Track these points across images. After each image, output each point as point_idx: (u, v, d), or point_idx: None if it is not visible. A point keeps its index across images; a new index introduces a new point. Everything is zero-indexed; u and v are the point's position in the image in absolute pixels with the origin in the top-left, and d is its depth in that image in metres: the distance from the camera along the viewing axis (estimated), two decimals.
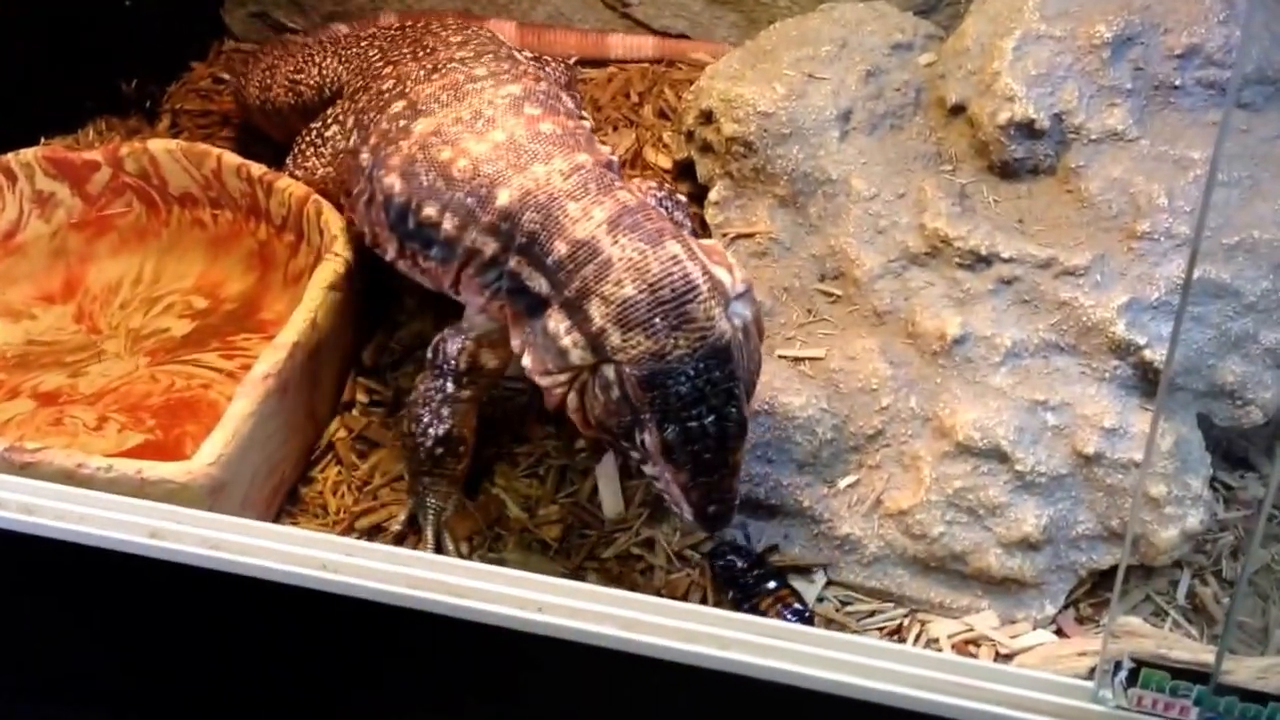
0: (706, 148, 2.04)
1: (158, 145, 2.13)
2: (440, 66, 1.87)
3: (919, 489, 1.73)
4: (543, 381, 1.55)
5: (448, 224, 1.66)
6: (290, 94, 2.34)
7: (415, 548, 1.78)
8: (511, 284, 1.60)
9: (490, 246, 1.63)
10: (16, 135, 2.47)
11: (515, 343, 1.60)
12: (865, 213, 1.89)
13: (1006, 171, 1.89)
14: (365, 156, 1.82)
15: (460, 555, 1.76)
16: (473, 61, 1.88)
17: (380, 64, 2.03)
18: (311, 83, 2.28)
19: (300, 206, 2.04)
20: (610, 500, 1.81)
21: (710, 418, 1.46)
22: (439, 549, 1.77)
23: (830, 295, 1.90)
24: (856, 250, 1.87)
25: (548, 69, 2.23)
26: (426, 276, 1.76)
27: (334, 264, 1.91)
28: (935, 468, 1.73)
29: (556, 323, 1.52)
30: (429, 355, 1.72)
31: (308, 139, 2.14)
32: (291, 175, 2.14)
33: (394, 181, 1.72)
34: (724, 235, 1.97)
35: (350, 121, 1.98)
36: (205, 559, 1.45)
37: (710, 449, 1.47)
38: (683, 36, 2.55)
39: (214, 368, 1.98)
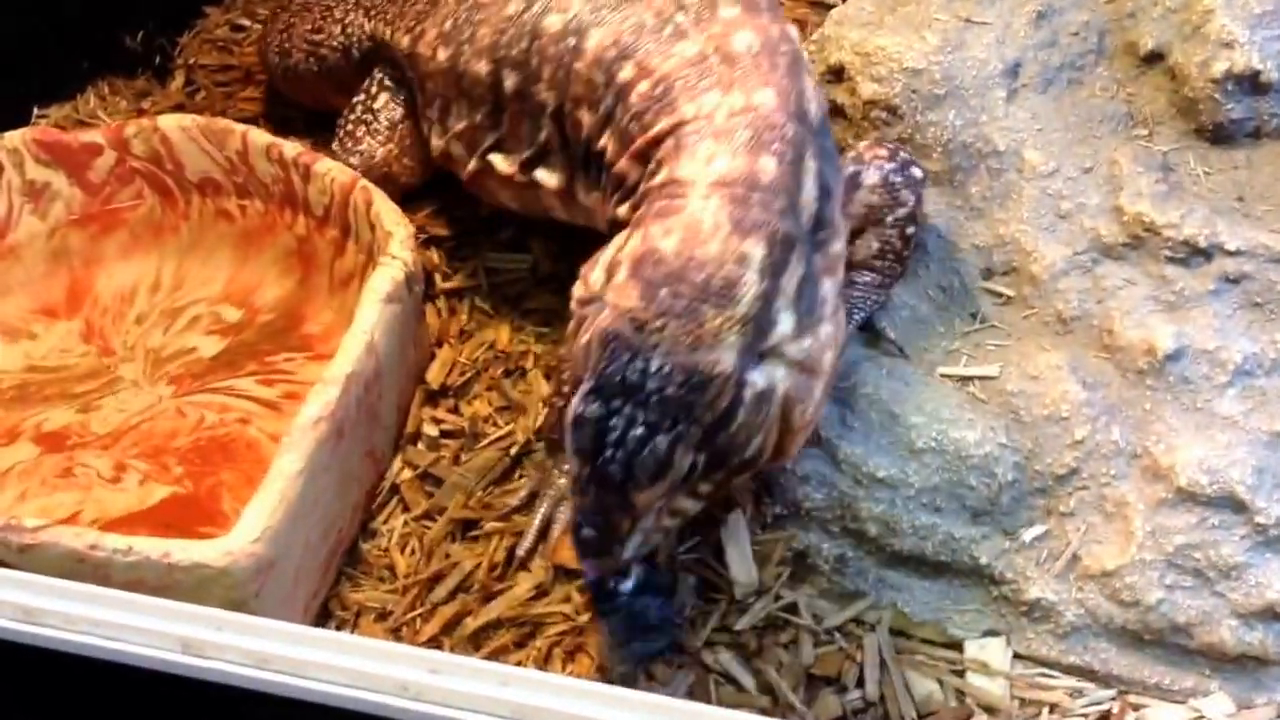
0: (836, 111, 1.67)
1: (170, 122, 1.79)
2: None
3: (1128, 544, 1.40)
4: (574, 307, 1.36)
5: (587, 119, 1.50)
6: (311, 58, 2.08)
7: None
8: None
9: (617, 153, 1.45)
10: (5, 106, 2.14)
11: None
12: (1043, 192, 1.54)
13: (1220, 136, 1.53)
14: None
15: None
16: None
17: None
18: (334, 44, 2.02)
19: (345, 195, 1.69)
20: (739, 563, 1.48)
21: (638, 430, 1.19)
22: (542, 536, 1.51)
23: (1000, 296, 1.55)
24: (1033, 240, 1.53)
25: None
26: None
27: (391, 270, 1.57)
28: (1148, 518, 1.40)
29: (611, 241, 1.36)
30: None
31: (354, 116, 1.85)
32: (346, 164, 1.82)
33: None
34: None
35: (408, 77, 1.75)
36: (251, 680, 1.16)
37: (615, 460, 1.20)
38: None
39: (252, 397, 1.66)
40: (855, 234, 1.50)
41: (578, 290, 1.37)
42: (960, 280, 1.57)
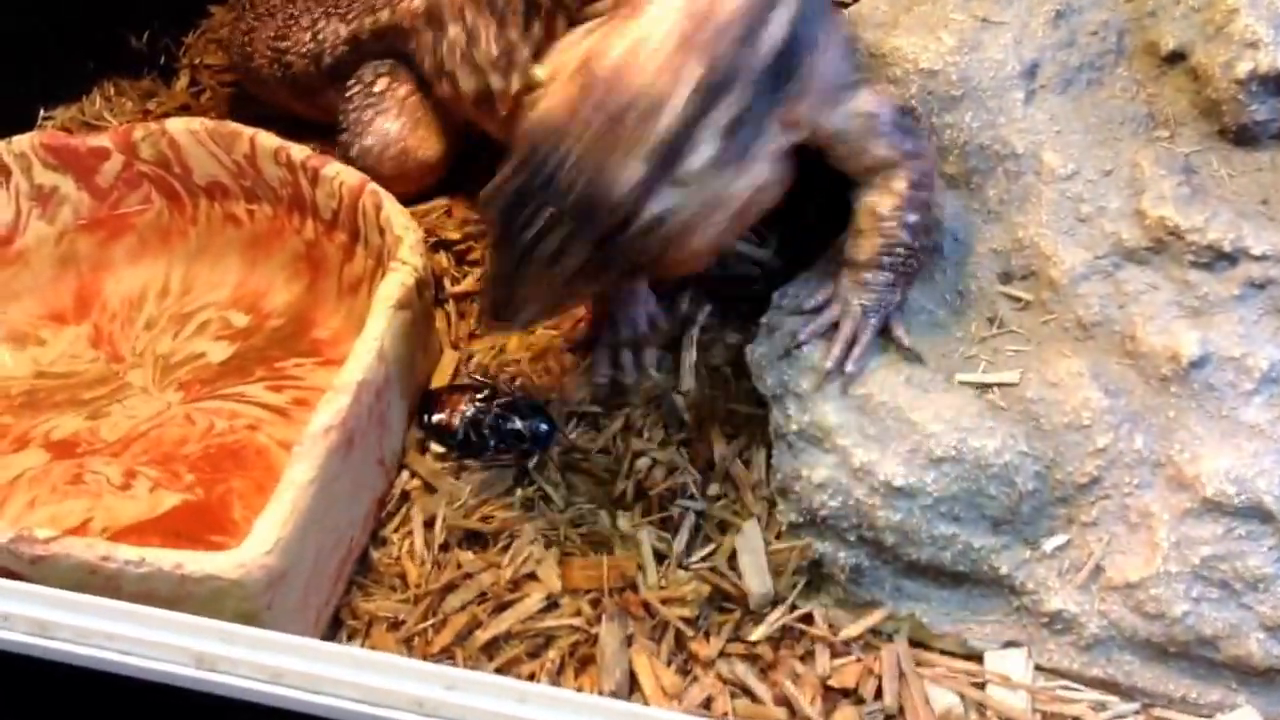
0: None
1: (178, 126, 1.77)
2: None
3: (1153, 555, 1.37)
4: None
5: None
6: (275, 64, 2.07)
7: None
8: None
9: None
10: (9, 107, 2.13)
11: None
12: (1062, 195, 1.51)
13: (1243, 137, 1.50)
14: None
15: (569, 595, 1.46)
16: None
17: None
18: (302, 50, 2.02)
19: (354, 199, 1.68)
20: (754, 573, 1.46)
21: (540, 219, 1.26)
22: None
23: (1019, 300, 1.52)
24: (1052, 243, 1.50)
25: None
26: None
27: (401, 275, 1.55)
28: (1174, 528, 1.37)
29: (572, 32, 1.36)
30: None
31: (355, 105, 1.87)
32: (362, 148, 1.82)
33: None
34: None
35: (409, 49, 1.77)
36: (265, 695, 1.14)
37: (519, 241, 1.28)
38: None
39: (261, 403, 1.64)
40: (854, 231, 1.47)
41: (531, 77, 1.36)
42: (978, 285, 1.54)
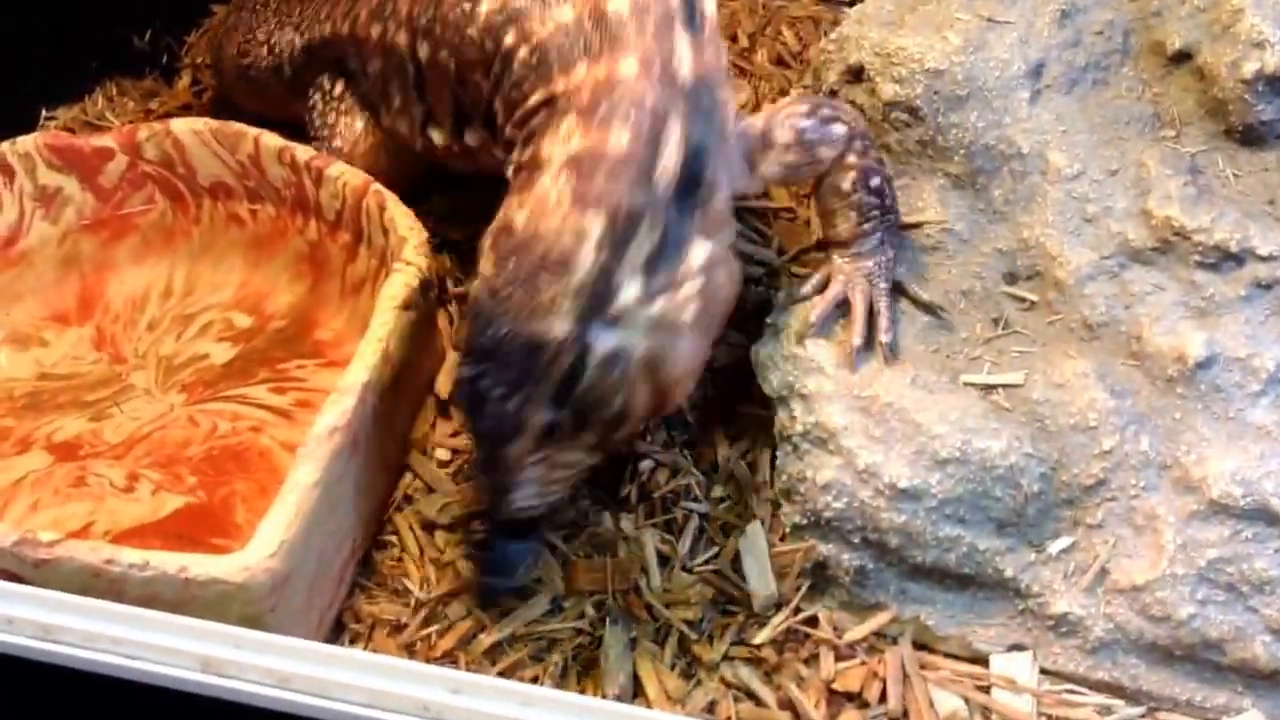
0: (859, 114, 1.63)
1: (182, 126, 1.76)
2: None
3: (1158, 558, 1.37)
4: None
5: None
6: (241, 79, 2.09)
7: None
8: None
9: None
10: (12, 108, 2.12)
11: None
12: (1068, 195, 1.51)
13: (1249, 137, 1.49)
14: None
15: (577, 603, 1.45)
16: None
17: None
18: (263, 65, 2.03)
19: (358, 199, 1.67)
20: (758, 575, 1.46)
21: (497, 390, 1.29)
22: None
23: (1024, 301, 1.52)
24: (1058, 244, 1.49)
25: None
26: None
27: (405, 275, 1.55)
28: (1180, 531, 1.36)
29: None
30: None
31: (319, 111, 1.85)
32: (333, 151, 1.83)
33: None
34: None
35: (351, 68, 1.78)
36: (271, 700, 1.14)
37: (484, 417, 1.31)
38: None
39: (264, 405, 1.64)
40: (825, 213, 1.51)
41: None
42: (983, 285, 1.53)
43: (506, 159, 1.46)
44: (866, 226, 1.49)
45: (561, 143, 1.34)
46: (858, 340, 1.45)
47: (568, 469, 1.36)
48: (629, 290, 1.28)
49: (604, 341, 1.28)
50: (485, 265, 1.33)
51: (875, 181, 1.48)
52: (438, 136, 1.67)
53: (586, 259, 1.27)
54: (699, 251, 1.33)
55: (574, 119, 1.34)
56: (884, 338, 1.45)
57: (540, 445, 1.32)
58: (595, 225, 1.28)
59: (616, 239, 1.28)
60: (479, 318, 1.30)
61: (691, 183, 1.34)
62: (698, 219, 1.34)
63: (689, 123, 1.34)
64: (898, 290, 1.51)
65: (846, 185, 1.48)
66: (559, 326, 1.26)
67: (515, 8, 1.46)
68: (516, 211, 1.32)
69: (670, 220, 1.31)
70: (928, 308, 1.50)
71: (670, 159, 1.32)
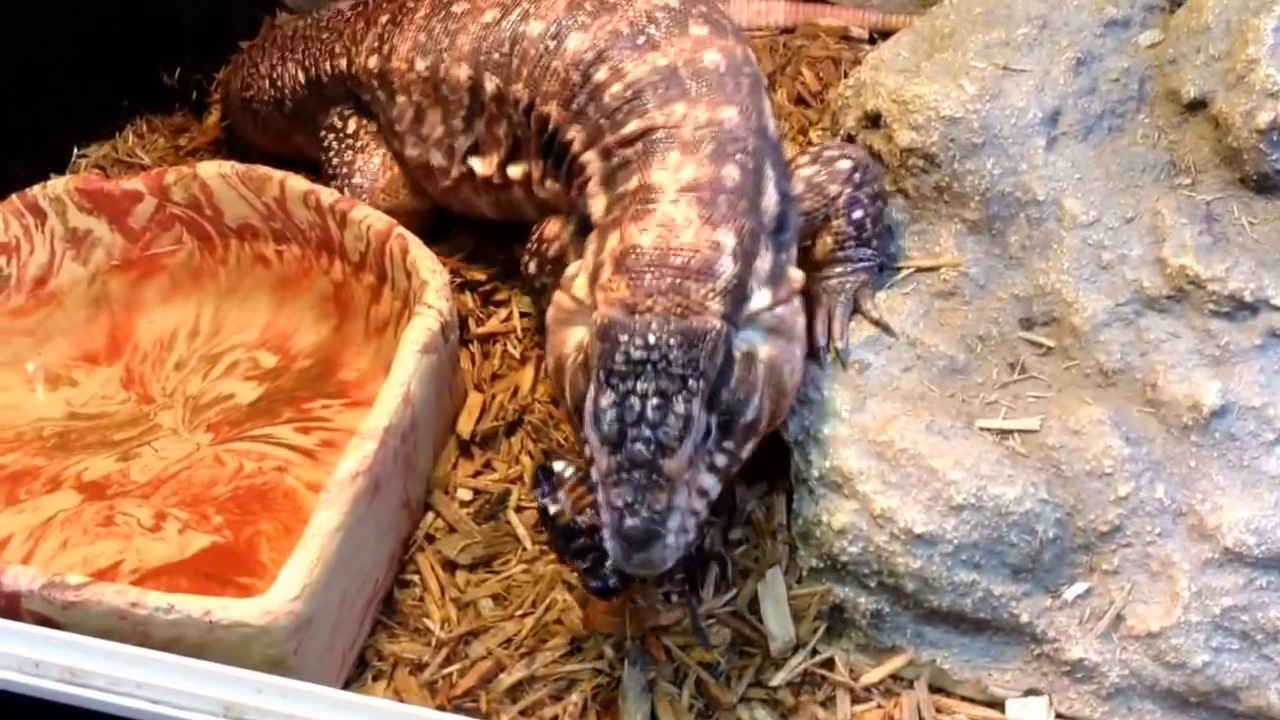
0: (873, 158, 1.66)
1: (210, 169, 1.80)
2: None
3: (1173, 605, 1.37)
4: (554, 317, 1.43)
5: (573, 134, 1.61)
6: (245, 113, 2.17)
7: None
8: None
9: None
10: (45, 145, 2.16)
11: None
12: (1083, 242, 1.52)
13: (1264, 186, 1.50)
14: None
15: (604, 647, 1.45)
16: None
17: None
18: (265, 98, 2.09)
19: (381, 242, 1.70)
20: (776, 618, 1.47)
21: (654, 400, 1.27)
22: None
23: (1040, 346, 1.53)
24: (1074, 290, 1.51)
25: None
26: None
27: (427, 320, 1.57)
28: (1195, 578, 1.37)
29: (586, 245, 1.45)
30: None
31: (335, 150, 1.91)
32: (352, 188, 1.90)
33: None
34: (898, 268, 1.61)
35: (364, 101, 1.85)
36: None
37: (641, 437, 1.26)
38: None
39: (289, 445, 1.66)
40: (812, 237, 1.59)
41: (561, 300, 1.43)
42: (999, 330, 1.55)
43: (579, 188, 1.56)
44: (839, 254, 1.59)
45: (673, 172, 1.44)
46: (820, 342, 1.54)
47: (705, 497, 1.32)
48: (759, 297, 1.37)
49: (740, 342, 1.35)
50: (611, 289, 1.33)
51: (857, 214, 1.57)
52: (481, 166, 1.75)
53: (727, 266, 1.35)
54: (796, 275, 1.44)
55: (680, 153, 1.45)
56: (838, 344, 1.54)
57: (695, 457, 1.28)
58: (729, 239, 1.38)
59: (746, 252, 1.38)
60: (622, 334, 1.30)
61: (783, 223, 1.47)
62: (787, 255, 1.47)
63: (776, 171, 1.49)
64: (856, 307, 1.58)
65: (832, 213, 1.57)
66: (713, 320, 1.31)
67: (608, 48, 1.58)
68: (640, 234, 1.38)
69: (774, 248, 1.44)
70: (879, 324, 1.56)
71: (770, 198, 1.47)
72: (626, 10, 1.60)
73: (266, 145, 2.15)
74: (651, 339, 1.29)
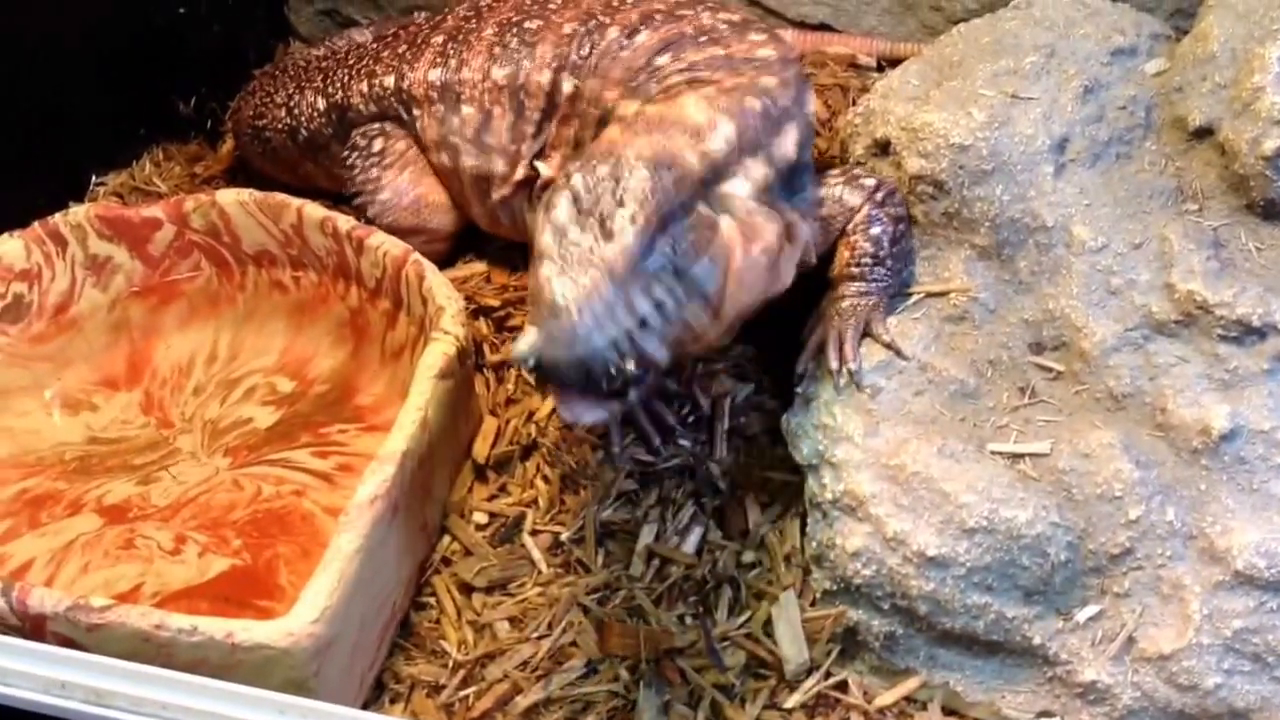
0: None
1: (228, 197, 1.82)
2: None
3: (1185, 627, 1.39)
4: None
5: None
6: (255, 140, 2.19)
7: None
8: None
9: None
10: (63, 174, 2.19)
11: None
12: (1092, 268, 1.54)
13: (1272, 212, 1.52)
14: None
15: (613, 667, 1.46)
16: None
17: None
18: (279, 126, 2.11)
19: (397, 269, 1.72)
20: (789, 640, 1.48)
21: (609, 195, 1.30)
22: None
23: (1049, 371, 1.54)
24: (1083, 315, 1.52)
25: None
26: None
27: (443, 345, 1.59)
28: (1206, 600, 1.38)
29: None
30: None
31: (359, 168, 1.93)
32: (375, 213, 1.92)
33: None
34: (908, 293, 1.63)
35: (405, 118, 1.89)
36: None
37: (590, 215, 1.29)
38: (824, 28, 2.19)
39: (306, 469, 1.68)
40: (830, 251, 1.61)
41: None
42: (1009, 355, 1.56)
43: None
44: (854, 271, 1.59)
45: (697, 95, 1.49)
46: (833, 365, 1.54)
47: (640, 325, 1.26)
48: (739, 185, 1.43)
49: (704, 208, 1.37)
50: (610, 132, 1.42)
51: (875, 230, 1.58)
52: (546, 169, 1.77)
53: (718, 137, 1.42)
54: (791, 216, 1.48)
55: (713, 89, 1.51)
56: (850, 365, 1.54)
57: (638, 269, 1.27)
58: (727, 125, 1.44)
59: (740, 146, 1.44)
60: (597, 150, 1.36)
61: (794, 174, 1.53)
62: (791, 206, 1.51)
63: (802, 132, 1.56)
64: (866, 330, 1.58)
65: (850, 226, 1.59)
66: (690, 158, 1.37)
67: (672, 40, 1.67)
68: (654, 107, 1.46)
69: (778, 179, 1.49)
70: (890, 348, 1.56)
71: (787, 147, 1.52)
72: (693, 20, 1.70)
73: (274, 173, 2.18)
74: (627, 154, 1.33)
